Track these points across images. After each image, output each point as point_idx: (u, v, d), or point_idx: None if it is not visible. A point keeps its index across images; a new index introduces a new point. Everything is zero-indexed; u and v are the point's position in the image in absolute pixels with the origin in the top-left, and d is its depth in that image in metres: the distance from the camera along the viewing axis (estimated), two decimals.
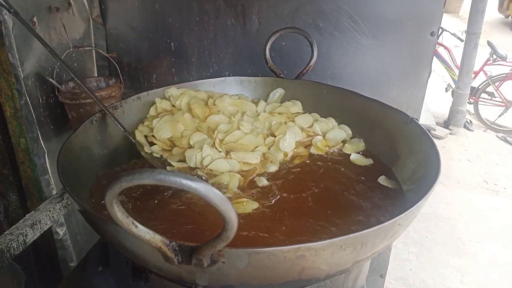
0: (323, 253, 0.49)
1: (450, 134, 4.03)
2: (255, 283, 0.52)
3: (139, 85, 1.36)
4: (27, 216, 0.85)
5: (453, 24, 7.65)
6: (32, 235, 0.82)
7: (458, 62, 4.11)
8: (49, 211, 0.86)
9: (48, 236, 1.29)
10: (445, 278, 2.20)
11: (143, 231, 0.44)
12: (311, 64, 0.97)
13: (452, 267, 2.28)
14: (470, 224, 2.68)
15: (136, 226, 0.43)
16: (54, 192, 1.23)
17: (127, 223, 0.42)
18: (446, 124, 4.17)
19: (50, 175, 1.20)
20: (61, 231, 1.29)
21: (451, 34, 4.14)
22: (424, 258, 2.34)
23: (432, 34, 1.05)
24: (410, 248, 2.40)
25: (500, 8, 9.29)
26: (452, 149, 3.75)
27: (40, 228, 0.85)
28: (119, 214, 0.41)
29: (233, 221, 0.40)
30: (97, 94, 1.13)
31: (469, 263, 2.31)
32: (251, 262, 0.47)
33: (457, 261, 2.33)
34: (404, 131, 0.79)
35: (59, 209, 0.90)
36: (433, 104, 4.51)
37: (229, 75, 1.18)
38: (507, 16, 9.14)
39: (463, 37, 3.99)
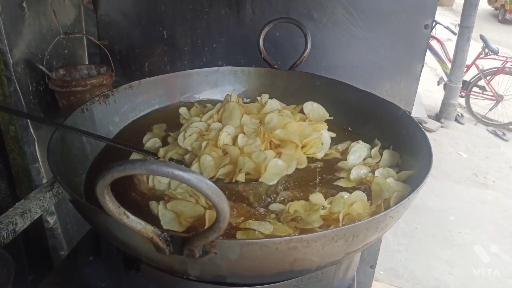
0: (315, 245, 0.49)
1: (442, 127, 4.07)
2: (247, 274, 0.52)
3: (131, 73, 1.35)
4: (17, 204, 0.84)
5: (446, 17, 7.67)
6: (22, 224, 0.82)
7: (451, 55, 4.13)
8: (39, 200, 0.86)
9: (38, 224, 1.28)
10: (434, 269, 2.23)
11: (134, 222, 0.44)
12: (304, 55, 0.97)
13: (441, 259, 2.31)
14: (459, 216, 2.72)
15: (128, 217, 0.43)
16: (44, 180, 1.21)
17: (119, 213, 0.42)
18: (437, 117, 4.20)
19: (40, 164, 1.19)
20: (51, 220, 1.28)
21: (445, 27, 4.15)
22: (413, 250, 2.37)
23: (426, 27, 1.05)
24: (400, 240, 2.43)
25: (489, 0, 9.37)
26: (443, 142, 3.78)
27: (30, 217, 0.84)
28: (110, 204, 0.41)
29: (225, 213, 0.40)
30: (88, 82, 1.11)
31: (457, 255, 2.35)
32: (243, 253, 0.47)
33: (446, 252, 2.36)
34: (396, 123, 0.79)
35: (50, 197, 0.89)
36: (425, 97, 4.54)
37: (222, 65, 1.17)
38: (496, 9, 9.20)
39: (456, 30, 4.00)
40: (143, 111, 0.89)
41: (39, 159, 1.18)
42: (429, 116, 4.22)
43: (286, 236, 0.47)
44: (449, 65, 4.20)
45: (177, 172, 0.36)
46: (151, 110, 0.90)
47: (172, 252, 0.47)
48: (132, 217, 0.43)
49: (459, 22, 3.89)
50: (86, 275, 0.71)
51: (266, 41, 1.00)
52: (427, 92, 4.72)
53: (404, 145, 0.75)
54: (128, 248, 0.55)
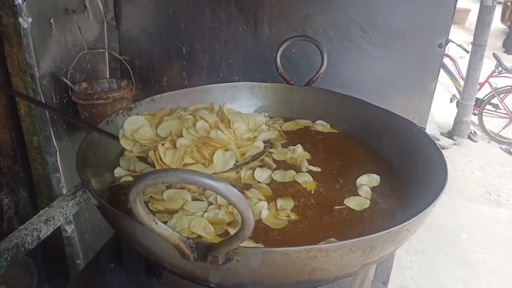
0: (333, 255, 0.50)
1: (454, 144, 4.04)
2: (267, 282, 0.54)
3: (150, 88, 1.39)
4: (41, 212, 0.87)
5: (458, 35, 7.68)
6: (45, 231, 0.84)
7: (463, 73, 4.13)
8: (62, 208, 0.88)
9: (56, 233, 1.31)
10: (446, 287, 2.20)
11: (162, 228, 0.46)
12: (320, 72, 0.99)
13: (453, 277, 2.28)
14: (472, 234, 2.68)
15: (156, 223, 0.45)
16: (64, 190, 1.25)
17: (148, 220, 0.44)
18: (450, 135, 4.19)
19: (61, 173, 1.22)
20: (69, 229, 1.31)
21: (457, 45, 4.16)
22: (425, 267, 2.35)
23: (439, 46, 1.08)
24: (412, 257, 2.41)
25: (503, 19, 9.36)
26: (455, 160, 3.75)
27: (53, 224, 0.87)
28: (141, 211, 0.43)
29: (250, 221, 0.42)
30: (109, 95, 1.15)
31: (470, 273, 2.32)
32: (264, 261, 0.49)
33: (459, 271, 2.33)
34: (411, 139, 0.80)
35: (72, 206, 0.92)
36: (437, 114, 4.53)
37: (238, 80, 1.21)
38: (509, 27, 9.18)
39: (469, 48, 4.01)
40: None
41: (60, 169, 1.22)
42: (442, 133, 4.20)
43: (306, 245, 0.48)
44: (461, 82, 4.19)
45: (207, 181, 0.39)
46: None
47: (196, 259, 0.49)
48: (160, 223, 0.46)
49: (471, 40, 3.91)
50: (107, 281, 0.73)
51: (282, 58, 1.03)
52: (440, 110, 4.71)
53: (419, 161, 0.77)
54: (152, 255, 0.57)
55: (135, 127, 0.79)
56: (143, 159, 0.79)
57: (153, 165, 0.76)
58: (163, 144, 0.76)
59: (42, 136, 1.16)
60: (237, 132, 0.84)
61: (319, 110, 0.98)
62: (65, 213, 0.90)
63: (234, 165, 0.79)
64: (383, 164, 0.84)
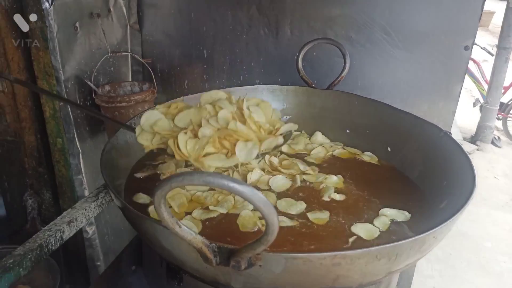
0: (358, 262, 0.49)
1: (477, 150, 3.95)
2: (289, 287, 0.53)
3: (171, 91, 1.40)
4: (65, 213, 0.88)
5: (482, 38, 7.52)
6: (68, 232, 0.85)
7: (487, 77, 4.04)
8: (85, 210, 0.89)
9: (77, 235, 1.33)
10: None
11: (186, 232, 0.46)
12: (343, 75, 0.98)
13: (476, 286, 2.22)
14: (496, 243, 2.61)
15: (180, 226, 0.45)
16: (87, 192, 1.27)
17: (172, 223, 0.44)
18: (473, 140, 4.09)
19: (84, 175, 1.24)
20: (90, 230, 1.33)
21: (481, 48, 4.07)
22: (447, 276, 2.29)
23: (466, 48, 1.05)
24: (433, 265, 2.36)
25: None
26: (479, 166, 3.66)
27: (76, 226, 0.88)
28: (165, 214, 0.43)
29: (275, 226, 0.41)
30: (132, 98, 1.17)
31: (494, 283, 2.25)
32: (287, 267, 0.48)
33: (482, 280, 2.27)
34: (437, 145, 0.78)
35: (94, 208, 0.93)
36: (460, 119, 4.43)
37: (259, 84, 1.20)
38: None
39: (493, 51, 3.92)
40: None
41: (83, 171, 1.24)
42: (464, 139, 4.11)
43: (331, 251, 0.47)
44: (485, 86, 4.09)
45: (232, 185, 0.38)
46: None
47: (218, 263, 0.49)
48: (184, 227, 0.45)
49: (495, 43, 3.82)
50: (128, 284, 0.74)
51: (304, 61, 1.03)
52: (462, 114, 4.61)
53: (445, 166, 0.75)
54: (174, 258, 0.57)
55: (153, 120, 0.77)
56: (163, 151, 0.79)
57: (172, 156, 0.75)
58: (185, 133, 0.75)
59: (66, 138, 1.18)
60: (256, 125, 0.83)
61: (340, 114, 0.97)
62: (88, 215, 0.91)
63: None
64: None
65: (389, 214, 0.71)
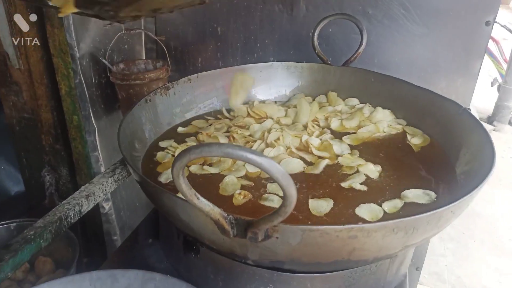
0: (375, 235, 0.49)
1: (494, 130, 3.88)
2: (305, 260, 0.54)
3: (185, 69, 1.39)
4: (83, 188, 0.90)
5: (502, 16, 7.30)
6: (86, 206, 0.87)
7: (507, 56, 3.93)
8: (102, 184, 0.91)
9: (94, 210, 1.36)
10: (481, 276, 2.14)
11: (203, 203, 0.46)
12: (359, 51, 0.97)
13: (489, 266, 2.22)
14: (510, 223, 2.59)
15: (198, 198, 0.46)
16: (103, 168, 1.29)
17: (190, 195, 0.45)
18: (490, 120, 4.02)
19: (99, 152, 1.26)
20: (107, 206, 1.35)
21: (501, 26, 3.94)
22: (460, 255, 2.29)
23: (487, 23, 1.02)
24: (446, 244, 2.35)
25: None
26: (495, 146, 3.61)
27: (94, 200, 0.90)
28: (184, 185, 0.44)
29: (293, 197, 0.41)
30: (146, 76, 1.17)
31: (508, 263, 2.24)
32: (304, 239, 0.49)
33: (496, 260, 2.26)
34: (456, 121, 0.77)
35: (111, 183, 0.94)
36: (477, 99, 4.35)
37: (273, 61, 1.19)
38: None
39: None
40: (202, 102, 0.93)
41: (99, 148, 1.25)
42: (481, 119, 4.03)
43: (347, 225, 0.48)
44: (504, 65, 3.99)
45: (250, 156, 0.38)
46: (209, 102, 0.94)
47: (235, 235, 0.49)
48: (201, 199, 0.46)
49: None
50: (146, 256, 0.75)
51: (319, 38, 1.01)
52: (479, 94, 4.51)
53: (464, 143, 0.74)
54: (191, 230, 0.57)
55: None
56: None
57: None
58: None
59: (81, 115, 1.19)
60: None
61: (356, 91, 0.96)
62: (105, 190, 0.93)
63: None
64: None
65: (412, 196, 0.68)
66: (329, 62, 1.01)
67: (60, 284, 0.60)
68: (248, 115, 0.92)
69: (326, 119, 0.90)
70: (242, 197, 0.67)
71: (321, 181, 0.72)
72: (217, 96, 0.95)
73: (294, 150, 0.80)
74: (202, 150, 0.39)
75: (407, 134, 0.85)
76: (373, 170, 0.74)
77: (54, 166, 1.36)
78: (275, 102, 1.01)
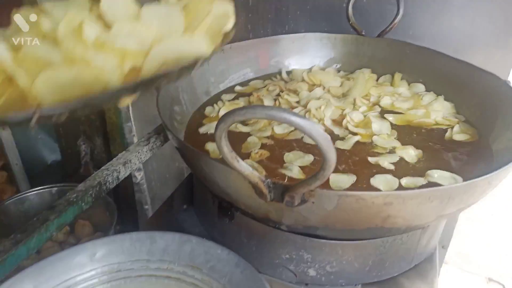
0: (410, 202, 0.50)
1: None
2: (338, 226, 0.55)
3: None
4: (120, 155, 0.93)
5: None
6: (123, 172, 0.90)
7: None
8: (138, 152, 0.94)
9: (127, 179, 1.40)
10: (507, 260, 2.12)
11: (243, 167, 0.47)
12: (395, 21, 0.94)
13: None
14: None
15: (238, 161, 0.47)
16: (135, 138, 1.32)
17: (231, 157, 0.46)
18: None
19: (132, 122, 1.30)
20: (139, 176, 1.40)
21: None
22: (487, 237, 2.26)
23: None
24: (474, 224, 2.33)
25: None
26: None
27: (130, 167, 0.93)
28: (225, 148, 0.45)
29: (332, 162, 0.42)
30: None
31: None
32: (339, 204, 0.50)
33: None
34: (495, 95, 0.75)
35: (146, 151, 0.98)
36: None
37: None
38: None
39: None
40: (236, 72, 0.94)
41: (132, 119, 1.29)
42: None
43: (384, 191, 0.48)
44: None
45: (294, 118, 0.39)
46: (243, 72, 0.95)
47: (272, 199, 0.51)
48: (241, 162, 0.47)
49: None
50: (181, 221, 0.78)
51: (352, 8, 0.99)
52: None
53: (504, 116, 0.72)
54: (227, 195, 0.59)
55: None
56: None
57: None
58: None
59: None
60: None
61: (391, 63, 0.94)
62: (140, 157, 0.96)
63: None
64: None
65: (437, 176, 0.64)
66: (363, 33, 0.99)
67: (103, 244, 0.63)
68: (303, 80, 0.92)
69: (379, 96, 0.86)
70: (258, 155, 0.69)
71: (347, 156, 0.70)
72: (250, 66, 0.96)
73: (326, 122, 0.79)
74: (247, 111, 0.40)
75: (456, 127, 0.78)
76: (412, 154, 0.69)
77: (89, 135, 1.40)
78: (338, 71, 1.00)
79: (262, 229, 0.63)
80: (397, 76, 0.93)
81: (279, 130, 0.76)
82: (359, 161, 0.68)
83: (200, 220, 0.77)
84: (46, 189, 1.30)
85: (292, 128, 0.77)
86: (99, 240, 0.64)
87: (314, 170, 0.62)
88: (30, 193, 1.30)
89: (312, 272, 0.64)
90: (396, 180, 0.63)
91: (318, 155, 0.69)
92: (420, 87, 0.90)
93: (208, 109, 0.85)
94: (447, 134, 0.76)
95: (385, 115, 0.79)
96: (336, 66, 0.99)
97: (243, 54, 0.94)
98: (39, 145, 1.66)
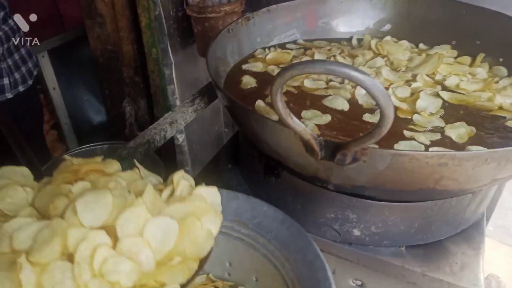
0: (466, 164, 0.49)
1: None
2: (389, 186, 0.55)
3: (258, 2, 1.37)
4: (166, 115, 0.96)
5: None
6: (170, 132, 0.93)
7: None
8: (183, 113, 0.96)
9: (169, 141, 1.44)
10: None
11: (296, 123, 0.48)
12: None
13: None
14: None
15: (292, 118, 0.47)
16: (178, 101, 1.35)
17: (285, 114, 0.46)
18: None
19: (175, 85, 1.31)
20: (180, 138, 1.43)
21: None
22: None
23: None
24: None
25: None
26: None
27: (176, 127, 0.95)
28: (280, 104, 0.45)
29: (390, 118, 0.41)
30: (221, 9, 1.17)
31: None
32: (392, 164, 0.49)
33: None
34: None
35: (191, 112, 1.00)
36: None
37: None
38: None
39: None
40: (283, 33, 0.92)
41: (175, 81, 1.31)
42: None
43: (439, 151, 0.47)
44: None
45: (353, 73, 0.39)
46: (290, 33, 0.94)
47: (323, 157, 0.51)
48: (295, 119, 0.47)
49: None
50: (226, 178, 0.80)
51: None
52: None
53: None
54: (276, 153, 0.60)
55: None
56: None
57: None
58: None
59: (159, 48, 1.24)
60: None
61: (445, 25, 0.90)
62: (185, 118, 0.98)
63: None
64: None
65: (475, 149, 0.59)
66: None
67: None
68: (370, 48, 0.90)
69: (447, 75, 0.79)
70: None
71: None
72: (297, 27, 0.94)
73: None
74: (306, 66, 0.40)
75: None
76: (463, 133, 0.62)
77: (134, 97, 1.44)
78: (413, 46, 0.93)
79: (308, 188, 0.64)
80: (479, 57, 0.83)
81: (308, 83, 0.76)
82: (392, 133, 0.61)
83: (245, 178, 0.78)
84: (99, 146, 1.36)
85: (322, 86, 0.76)
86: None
87: (330, 130, 0.63)
88: (79, 150, 1.37)
89: (356, 232, 0.64)
90: (422, 146, 0.59)
91: (336, 117, 0.67)
92: (503, 71, 0.80)
93: (258, 51, 0.89)
94: (508, 123, 0.66)
95: (440, 92, 0.72)
96: (386, 27, 0.95)
97: (290, 14, 0.92)
98: (85, 106, 1.73)
